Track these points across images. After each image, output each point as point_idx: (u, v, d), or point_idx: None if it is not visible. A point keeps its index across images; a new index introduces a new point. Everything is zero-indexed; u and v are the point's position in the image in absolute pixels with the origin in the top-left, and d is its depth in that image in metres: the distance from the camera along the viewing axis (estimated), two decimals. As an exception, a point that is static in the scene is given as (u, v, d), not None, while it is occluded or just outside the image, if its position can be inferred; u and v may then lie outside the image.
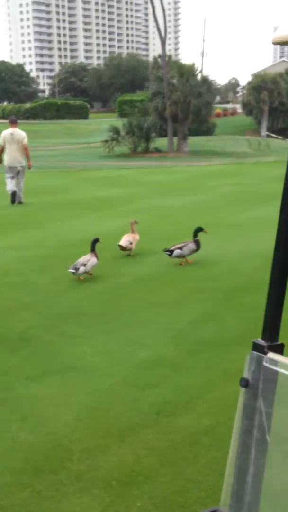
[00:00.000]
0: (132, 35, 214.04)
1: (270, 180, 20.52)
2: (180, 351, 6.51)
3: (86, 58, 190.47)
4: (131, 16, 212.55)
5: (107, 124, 45.64)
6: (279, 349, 1.90)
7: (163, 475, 4.25)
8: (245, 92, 68.28)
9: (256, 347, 1.91)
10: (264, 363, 1.87)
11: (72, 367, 6.20)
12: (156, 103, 43.25)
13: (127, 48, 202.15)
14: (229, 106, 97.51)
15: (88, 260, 9.56)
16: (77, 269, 9.39)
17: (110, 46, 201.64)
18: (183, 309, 7.86)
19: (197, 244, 10.19)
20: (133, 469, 4.35)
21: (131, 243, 10.96)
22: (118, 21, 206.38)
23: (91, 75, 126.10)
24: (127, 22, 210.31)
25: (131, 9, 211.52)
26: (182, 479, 4.18)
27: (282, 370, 1.82)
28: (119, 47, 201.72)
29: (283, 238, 1.87)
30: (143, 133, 42.21)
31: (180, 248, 10.19)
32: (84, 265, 9.49)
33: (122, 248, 10.91)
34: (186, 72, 42.77)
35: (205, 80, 44.91)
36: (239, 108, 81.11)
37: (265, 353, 1.88)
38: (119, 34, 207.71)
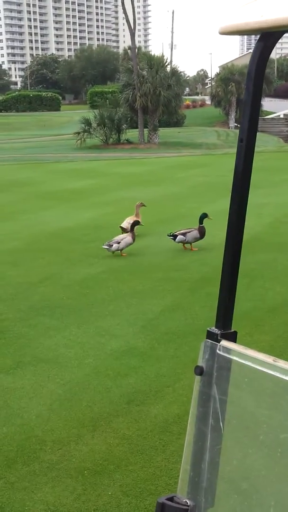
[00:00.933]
0: (102, 27, 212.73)
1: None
2: (150, 340, 6.57)
3: (57, 50, 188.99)
4: (101, 8, 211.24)
5: (79, 116, 45.41)
6: (233, 337, 1.94)
7: (134, 463, 4.31)
8: (214, 84, 68.37)
9: (210, 335, 1.94)
10: (218, 351, 1.90)
11: (45, 358, 6.23)
12: (127, 95, 43.10)
13: (98, 40, 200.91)
14: (198, 97, 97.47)
15: (123, 238, 10.11)
16: (110, 245, 10.05)
17: (81, 38, 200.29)
18: (153, 299, 7.92)
19: (201, 231, 10.23)
20: (105, 458, 4.41)
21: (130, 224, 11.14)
22: (88, 12, 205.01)
23: (63, 67, 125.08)
24: (97, 14, 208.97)
25: (101, 1, 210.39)
26: (152, 466, 4.25)
27: (235, 358, 1.85)
28: (90, 38, 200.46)
29: (233, 230, 1.90)
30: (114, 124, 42.10)
31: (184, 234, 10.30)
32: (118, 242, 10.05)
33: (123, 229, 11.17)
34: (156, 64, 42.65)
35: (175, 71, 44.85)
36: (208, 99, 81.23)
37: (219, 341, 1.91)
38: (89, 26, 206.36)
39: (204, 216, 10.23)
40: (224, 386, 1.88)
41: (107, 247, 10.11)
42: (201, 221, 10.21)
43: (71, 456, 4.46)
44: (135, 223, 10.44)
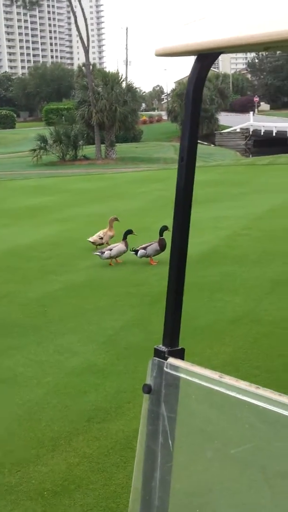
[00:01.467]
0: (56, 44, 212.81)
1: (196, 185, 20.57)
2: (110, 357, 6.49)
3: (11, 67, 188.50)
4: (54, 25, 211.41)
5: (34, 133, 45.31)
6: (180, 354, 1.92)
7: (94, 482, 4.23)
8: (170, 100, 68.87)
9: (157, 353, 1.93)
10: (165, 369, 1.88)
11: (3, 378, 6.12)
12: (82, 111, 43.21)
13: (52, 57, 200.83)
14: (154, 113, 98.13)
15: (115, 246, 10.28)
16: (102, 252, 10.26)
17: (34, 55, 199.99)
18: (113, 315, 7.84)
19: (161, 244, 10.17)
20: (65, 478, 4.31)
21: (101, 238, 11.36)
22: (42, 30, 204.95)
23: (17, 85, 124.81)
24: (50, 31, 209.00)
25: (54, 18, 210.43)
26: (113, 484, 4.17)
27: (183, 375, 1.83)
28: (44, 56, 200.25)
29: (177, 248, 1.89)
30: (71, 141, 42.14)
31: (144, 248, 10.27)
32: (110, 249, 10.20)
33: (93, 244, 11.37)
34: (111, 80, 42.90)
35: (130, 87, 45.16)
36: (164, 115, 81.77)
37: (166, 359, 1.89)
38: (42, 44, 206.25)
39: (164, 228, 10.21)
40: (173, 403, 1.86)
41: (99, 253, 10.40)
42: (161, 234, 10.19)
43: (30, 477, 4.35)
44: (128, 231, 10.55)
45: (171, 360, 1.88)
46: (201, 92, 1.82)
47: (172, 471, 1.87)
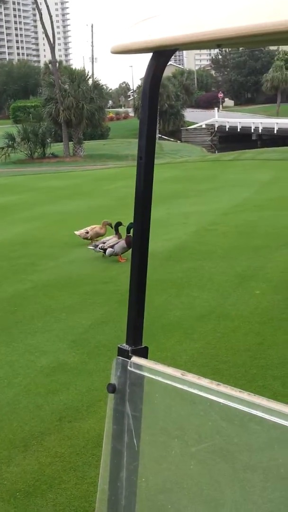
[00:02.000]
0: (22, 41, 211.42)
1: (163, 182, 20.77)
2: (81, 355, 6.51)
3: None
4: (20, 22, 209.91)
5: (2, 131, 44.99)
6: (143, 353, 1.93)
7: (67, 481, 4.25)
8: (136, 96, 68.90)
9: (120, 352, 1.93)
10: (129, 368, 1.89)
11: (-28, 380, 6.09)
12: (50, 109, 43.01)
13: (18, 54, 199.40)
14: (121, 110, 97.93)
15: (116, 243, 10.37)
16: (96, 246, 10.49)
17: (0, 53, 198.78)
18: (82, 313, 7.86)
19: (128, 241, 10.16)
20: (37, 478, 4.33)
21: (87, 232, 11.44)
22: (7, 28, 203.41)
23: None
24: (16, 28, 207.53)
25: (20, 16, 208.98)
26: (86, 483, 4.19)
27: (146, 374, 1.84)
28: (10, 53, 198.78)
29: (137, 247, 1.90)
30: (39, 139, 41.97)
31: (112, 246, 10.32)
32: (112, 247, 10.33)
33: (78, 236, 11.52)
34: (77, 78, 42.78)
35: (97, 85, 45.10)
36: (131, 111, 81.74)
37: (129, 358, 1.90)
38: (8, 41, 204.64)
39: (131, 226, 10.24)
40: (137, 402, 1.88)
41: (92, 247, 10.54)
42: (128, 231, 10.22)
43: (2, 478, 4.36)
44: (118, 223, 10.67)
45: (135, 359, 1.89)
46: (158, 90, 1.80)
47: (138, 470, 1.88)
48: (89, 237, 11.41)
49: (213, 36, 1.49)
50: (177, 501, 1.81)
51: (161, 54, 1.75)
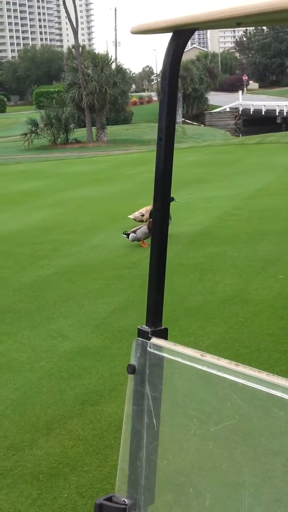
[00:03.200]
0: (45, 26, 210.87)
1: (186, 166, 20.72)
2: (103, 340, 6.55)
3: (0, 51, 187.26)
4: (43, 7, 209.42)
5: (25, 117, 45.09)
6: (163, 334, 1.94)
7: (89, 464, 4.29)
8: (159, 80, 68.48)
9: (140, 333, 1.94)
10: (149, 349, 1.90)
11: (-4, 364, 6.17)
12: (73, 94, 42.94)
13: (41, 39, 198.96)
14: (144, 94, 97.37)
15: (139, 227, 10.30)
16: (128, 234, 10.33)
17: (24, 38, 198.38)
18: (105, 298, 7.89)
19: (150, 226, 10.09)
20: (60, 460, 4.38)
21: (142, 215, 11.20)
22: (30, 12, 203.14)
23: (6, 68, 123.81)
24: (39, 13, 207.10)
25: (43, 0, 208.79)
26: (108, 466, 4.23)
27: (166, 355, 1.85)
28: (33, 38, 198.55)
29: (157, 228, 1.90)
30: (62, 124, 41.94)
31: (134, 231, 10.34)
32: (135, 232, 10.22)
33: (134, 219, 11.28)
34: (100, 62, 42.62)
35: (120, 69, 44.88)
36: (154, 95, 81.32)
37: (149, 339, 1.91)
38: (32, 26, 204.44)
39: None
40: (157, 383, 1.89)
41: (125, 236, 10.47)
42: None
43: (25, 461, 4.41)
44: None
45: (154, 340, 1.90)
46: (177, 71, 1.78)
47: (158, 450, 1.90)
48: (144, 219, 11.14)
49: (232, 14, 1.48)
50: (196, 482, 1.83)
51: (181, 34, 1.73)
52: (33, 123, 40.99)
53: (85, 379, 5.65)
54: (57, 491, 4.03)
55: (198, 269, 8.75)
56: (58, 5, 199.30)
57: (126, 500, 1.93)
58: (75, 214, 14.26)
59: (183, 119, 62.17)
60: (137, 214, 11.32)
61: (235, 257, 9.24)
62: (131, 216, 11.35)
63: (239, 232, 10.80)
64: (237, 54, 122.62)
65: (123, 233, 10.45)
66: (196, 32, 1.98)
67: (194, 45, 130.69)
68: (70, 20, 43.96)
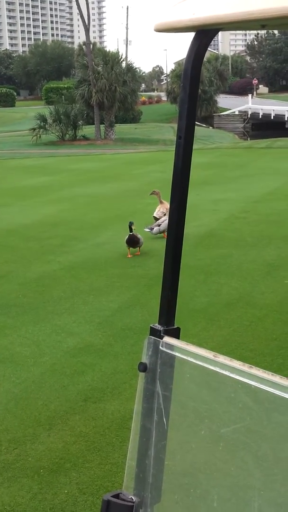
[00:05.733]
0: (56, 22, 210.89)
1: (194, 168, 20.53)
2: (107, 337, 6.55)
3: (11, 45, 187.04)
4: (56, 3, 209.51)
5: (34, 112, 45.07)
6: (175, 333, 1.94)
7: (90, 460, 4.30)
8: (169, 80, 68.45)
9: (153, 331, 1.94)
10: (161, 347, 1.90)
11: (0, 358, 6.17)
12: (82, 91, 42.90)
13: (52, 35, 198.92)
14: (154, 94, 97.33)
15: (163, 220, 10.28)
16: (152, 229, 10.32)
17: (35, 33, 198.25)
18: (110, 296, 7.90)
19: None
20: (61, 456, 4.39)
21: (165, 214, 11.07)
22: (42, 8, 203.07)
23: (17, 63, 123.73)
24: (51, 9, 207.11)
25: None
26: (109, 463, 4.24)
27: (178, 354, 1.86)
28: (44, 34, 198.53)
29: (173, 228, 1.91)
30: (70, 120, 41.89)
31: (159, 225, 10.43)
32: (159, 225, 10.23)
33: (156, 219, 11.12)
34: (111, 60, 42.58)
35: (130, 67, 44.83)
36: (164, 96, 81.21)
37: (161, 338, 1.91)
38: (43, 21, 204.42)
39: None
40: (167, 382, 1.89)
41: (149, 229, 10.46)
42: None
43: (27, 455, 4.42)
44: None
45: (167, 339, 1.90)
46: (200, 70, 1.79)
47: (166, 449, 1.90)
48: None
49: (258, 16, 1.48)
50: (204, 483, 1.82)
51: (204, 34, 1.74)
52: (41, 119, 40.93)
53: (88, 376, 5.66)
54: (58, 487, 4.03)
55: (203, 270, 8.75)
56: (70, 1, 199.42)
57: (133, 498, 1.93)
58: (82, 211, 14.27)
59: (192, 121, 61.92)
60: (160, 213, 11.35)
61: (241, 260, 9.24)
62: (155, 215, 11.36)
63: (246, 235, 10.80)
64: (248, 58, 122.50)
65: (146, 228, 10.49)
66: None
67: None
68: (82, 16, 43.93)
